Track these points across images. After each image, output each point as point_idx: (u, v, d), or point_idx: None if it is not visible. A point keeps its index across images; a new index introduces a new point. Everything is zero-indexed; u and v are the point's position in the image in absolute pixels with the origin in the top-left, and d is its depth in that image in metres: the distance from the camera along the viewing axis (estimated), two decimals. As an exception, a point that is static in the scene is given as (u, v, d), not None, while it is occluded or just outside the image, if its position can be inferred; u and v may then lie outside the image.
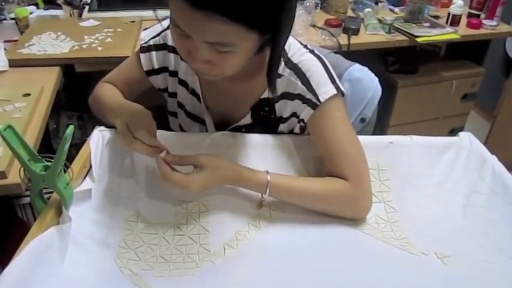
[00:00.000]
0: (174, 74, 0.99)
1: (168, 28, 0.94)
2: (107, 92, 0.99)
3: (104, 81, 1.03)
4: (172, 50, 0.95)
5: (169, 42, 0.95)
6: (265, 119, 0.96)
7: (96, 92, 1.00)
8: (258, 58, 0.80)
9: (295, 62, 0.89)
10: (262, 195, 0.85)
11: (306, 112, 0.89)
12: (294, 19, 0.74)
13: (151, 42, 0.96)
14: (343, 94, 0.89)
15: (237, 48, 0.70)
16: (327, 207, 0.87)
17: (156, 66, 0.98)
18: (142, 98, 1.08)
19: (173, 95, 1.03)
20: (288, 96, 0.91)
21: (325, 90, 0.86)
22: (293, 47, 0.90)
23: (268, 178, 0.83)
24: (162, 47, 0.96)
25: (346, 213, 0.87)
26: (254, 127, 0.97)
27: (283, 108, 0.93)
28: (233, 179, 0.84)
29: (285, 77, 0.89)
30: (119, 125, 0.80)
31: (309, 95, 0.87)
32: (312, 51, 0.91)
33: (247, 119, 0.97)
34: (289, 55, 0.89)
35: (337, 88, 0.87)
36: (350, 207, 0.87)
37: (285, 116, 0.95)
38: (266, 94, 0.92)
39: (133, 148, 0.79)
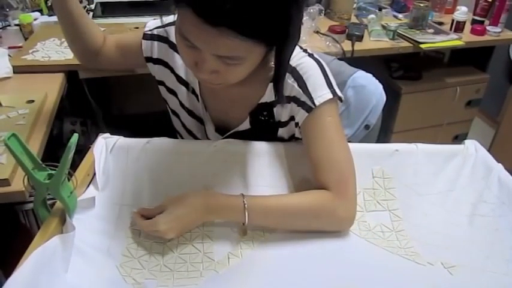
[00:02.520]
0: (172, 70, 0.99)
1: (172, 23, 0.94)
2: None
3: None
4: (174, 46, 0.95)
5: (171, 39, 0.95)
6: (264, 124, 0.95)
7: None
8: (258, 65, 0.79)
9: (293, 65, 0.88)
10: (243, 223, 0.81)
11: (300, 115, 0.88)
12: (301, 28, 0.75)
13: (155, 32, 0.97)
14: (341, 99, 0.88)
15: (245, 61, 0.72)
16: (309, 223, 0.84)
17: (155, 56, 0.99)
18: (150, 102, 1.09)
19: (173, 92, 1.03)
20: (285, 99, 0.90)
21: (321, 94, 0.85)
22: None
23: (245, 201, 0.80)
24: (165, 40, 0.96)
25: (327, 226, 0.84)
26: (253, 132, 0.96)
27: (281, 112, 0.93)
28: (207, 206, 0.81)
29: None
30: None
31: (304, 98, 0.86)
32: (311, 55, 0.90)
33: (245, 124, 0.96)
34: None
35: (334, 93, 0.86)
36: (330, 218, 0.83)
37: (283, 120, 0.94)
38: (264, 99, 0.92)
39: None
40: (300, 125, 0.89)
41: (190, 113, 1.02)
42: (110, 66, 1.12)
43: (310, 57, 0.89)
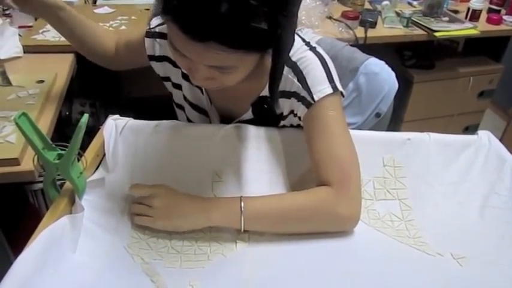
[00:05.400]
0: (176, 65, 0.97)
1: None
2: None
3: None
4: None
5: None
6: (266, 115, 0.94)
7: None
8: (258, 62, 0.78)
9: (294, 60, 0.86)
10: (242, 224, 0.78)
11: (301, 110, 0.86)
12: (295, 30, 0.74)
13: (157, 29, 0.95)
14: (343, 95, 0.86)
15: (238, 68, 0.71)
16: (308, 224, 0.80)
17: (157, 54, 0.97)
18: (153, 87, 1.08)
19: (178, 86, 1.02)
20: (285, 94, 0.88)
21: (321, 88, 0.83)
22: (295, 45, 0.84)
23: (242, 205, 0.77)
24: (166, 36, 0.95)
25: (329, 226, 0.80)
26: (256, 122, 0.95)
27: (282, 106, 0.91)
28: (199, 200, 0.80)
29: (283, 75, 0.84)
30: None
31: (303, 93, 0.85)
32: (313, 49, 0.88)
33: (249, 114, 0.96)
34: (290, 53, 0.85)
35: (334, 88, 0.83)
36: (330, 216, 0.79)
37: (284, 114, 0.93)
38: (265, 92, 0.90)
39: None
40: (301, 120, 0.88)
41: (194, 106, 1.02)
42: (126, 68, 1.11)
43: (312, 51, 0.87)
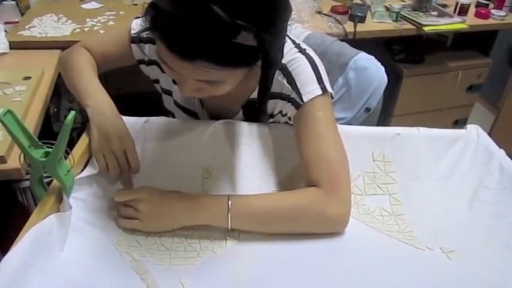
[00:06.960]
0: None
1: None
2: (83, 63, 0.94)
3: (82, 46, 0.98)
4: None
5: None
6: (257, 116, 0.94)
7: (72, 56, 0.96)
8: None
9: (284, 62, 0.86)
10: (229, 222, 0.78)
11: (290, 111, 0.86)
12: (284, 44, 0.76)
13: (144, 34, 0.92)
14: (332, 97, 0.86)
15: (227, 82, 0.72)
16: (297, 224, 0.79)
17: (147, 58, 0.96)
18: (143, 84, 1.07)
19: (167, 92, 1.01)
20: (275, 95, 0.88)
21: (310, 90, 0.83)
22: (285, 48, 0.85)
23: (229, 203, 0.77)
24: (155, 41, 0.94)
25: (318, 226, 0.79)
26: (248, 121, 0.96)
27: (272, 107, 0.92)
28: (187, 199, 0.80)
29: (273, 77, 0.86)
30: (95, 137, 0.80)
31: (293, 95, 0.85)
32: (303, 51, 0.88)
33: (239, 116, 0.96)
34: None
35: (323, 89, 0.83)
36: (320, 217, 0.78)
37: (274, 113, 0.93)
38: (255, 95, 0.90)
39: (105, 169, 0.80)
40: (291, 120, 0.88)
41: (185, 109, 1.02)
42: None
43: (302, 54, 0.87)
